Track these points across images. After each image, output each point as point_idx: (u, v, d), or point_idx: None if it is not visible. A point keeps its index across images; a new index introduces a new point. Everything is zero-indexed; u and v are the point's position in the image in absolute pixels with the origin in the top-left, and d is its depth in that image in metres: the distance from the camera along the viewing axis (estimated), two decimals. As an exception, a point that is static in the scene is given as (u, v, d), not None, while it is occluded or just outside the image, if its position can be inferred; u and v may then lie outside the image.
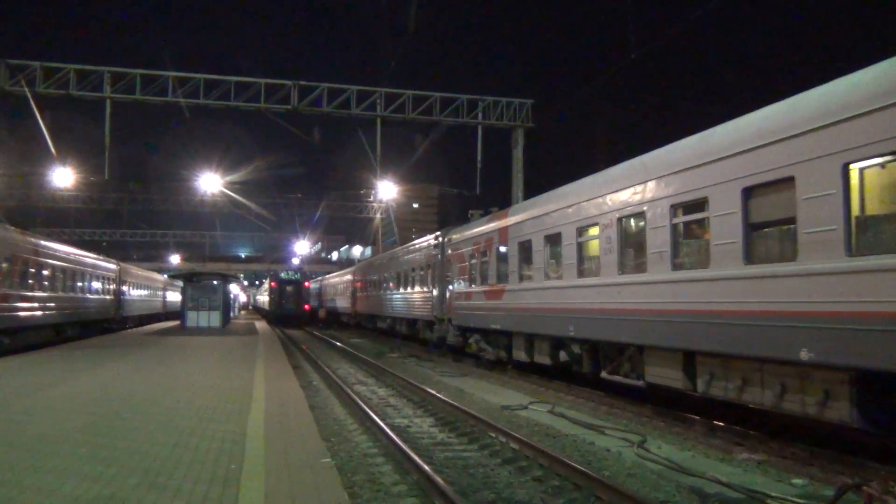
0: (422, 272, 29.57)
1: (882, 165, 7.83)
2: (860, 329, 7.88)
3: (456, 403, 13.86)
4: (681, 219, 11.55)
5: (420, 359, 26.43)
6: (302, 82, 31.35)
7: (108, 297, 39.46)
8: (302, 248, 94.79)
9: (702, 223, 10.98)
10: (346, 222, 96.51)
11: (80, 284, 33.06)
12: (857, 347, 7.95)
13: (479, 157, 33.87)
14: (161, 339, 31.01)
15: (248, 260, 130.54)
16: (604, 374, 14.55)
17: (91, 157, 37.10)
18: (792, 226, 8.97)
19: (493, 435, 11.23)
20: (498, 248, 20.13)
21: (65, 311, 30.02)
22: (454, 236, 24.95)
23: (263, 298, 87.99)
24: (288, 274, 66.61)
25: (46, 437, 8.98)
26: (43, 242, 28.59)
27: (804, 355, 8.63)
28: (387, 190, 44.94)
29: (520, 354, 18.87)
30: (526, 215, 18.42)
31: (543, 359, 17.38)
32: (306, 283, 64.69)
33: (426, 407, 14.77)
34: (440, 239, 26.67)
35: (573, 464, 8.78)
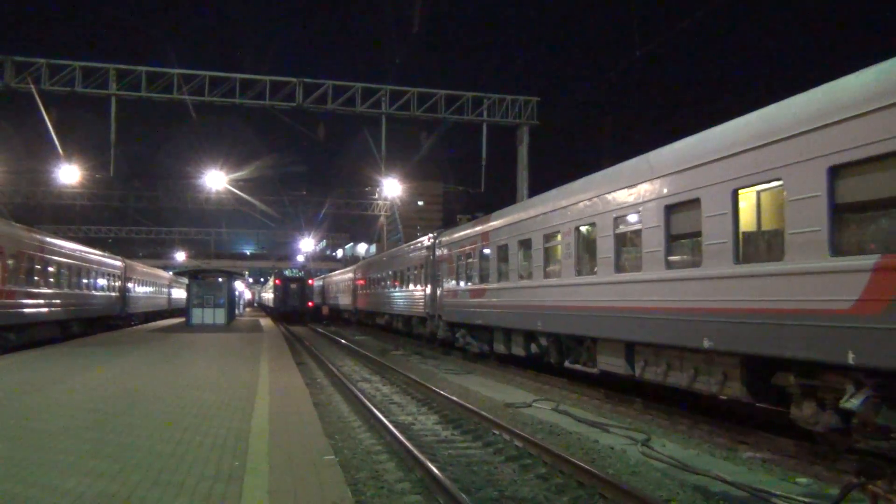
0: (416, 272, 31.61)
1: (757, 192, 10.07)
2: (745, 322, 9.90)
3: (460, 401, 13.86)
4: (621, 229, 13.47)
5: (424, 356, 26.45)
6: (307, 80, 31.37)
7: (113, 293, 39.55)
8: (307, 245, 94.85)
9: (637, 233, 12.84)
10: (351, 220, 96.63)
11: (85, 281, 33.14)
12: (744, 337, 9.95)
13: (483, 155, 33.87)
14: (166, 335, 31.08)
15: (253, 257, 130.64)
16: (567, 364, 16.53)
17: (97, 155, 37.15)
18: (699, 238, 11.04)
19: (497, 432, 11.23)
20: (481, 251, 22.30)
21: (70, 307, 30.10)
22: (444, 239, 26.97)
23: (268, 296, 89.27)
24: (292, 272, 67.89)
25: (51, 433, 9.01)
26: (49, 239, 28.66)
27: (706, 343, 10.68)
28: (392, 187, 44.98)
29: (499, 347, 20.87)
30: (504, 222, 20.48)
31: (519, 351, 19.36)
32: (310, 281, 66.88)
33: (430, 404, 14.77)
34: (432, 241, 28.67)
35: (577, 461, 8.77)
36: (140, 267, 51.37)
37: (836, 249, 8.51)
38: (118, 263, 41.48)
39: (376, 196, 59.60)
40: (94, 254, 36.90)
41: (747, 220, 10.31)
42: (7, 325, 22.89)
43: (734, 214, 10.29)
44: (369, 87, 32.07)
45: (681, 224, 11.68)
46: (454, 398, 14.27)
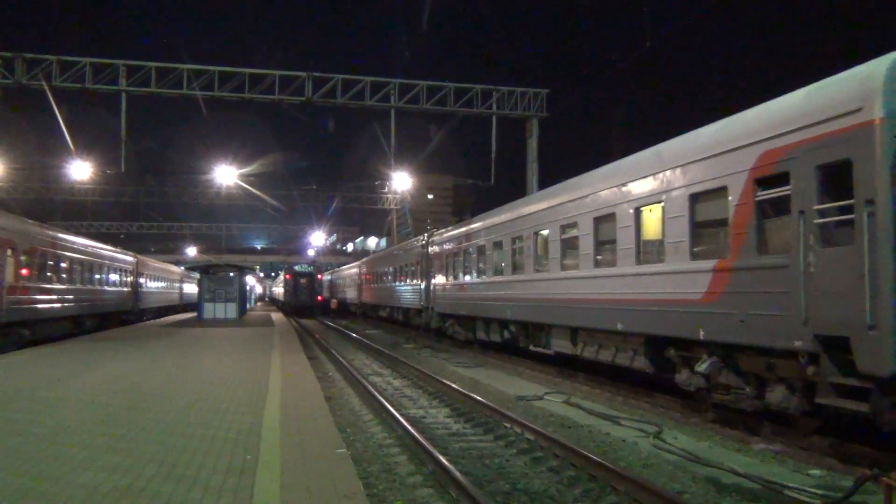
0: (412, 268, 34.34)
1: (650, 210, 12.90)
2: (644, 309, 12.84)
3: (471, 394, 13.87)
4: (566, 235, 16.51)
5: (435, 349, 26.49)
6: (316, 74, 31.41)
7: (125, 289, 39.73)
8: (317, 239, 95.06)
9: (576, 239, 15.91)
10: (361, 213, 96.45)
11: (97, 277, 33.30)
12: (644, 321, 12.88)
13: (493, 148, 33.81)
14: (178, 330, 31.24)
15: (263, 252, 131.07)
16: (531, 347, 19.26)
17: (108, 151, 37.36)
18: (615, 244, 14.07)
19: (509, 425, 11.23)
20: (465, 250, 25.21)
21: (83, 303, 30.26)
22: (435, 238, 30.26)
23: (279, 290, 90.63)
24: (302, 267, 69.45)
25: (65, 428, 9.08)
26: (61, 235, 28.81)
27: (620, 326, 13.66)
28: (401, 181, 44.95)
29: (481, 334, 23.69)
30: (481, 225, 23.63)
31: (496, 337, 22.13)
32: (319, 276, 68.56)
33: (441, 398, 14.79)
34: (425, 240, 31.70)
35: (589, 454, 8.76)
36: (151, 262, 51.60)
37: (694, 255, 11.54)
38: (130, 259, 41.65)
39: (386, 190, 59.54)
40: (106, 249, 37.07)
41: (645, 230, 13.25)
42: (21, 321, 23.03)
43: (636, 226, 13.32)
44: (378, 81, 32.05)
45: (604, 232, 14.74)
46: (465, 391, 14.29)
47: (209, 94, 30.61)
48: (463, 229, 25.95)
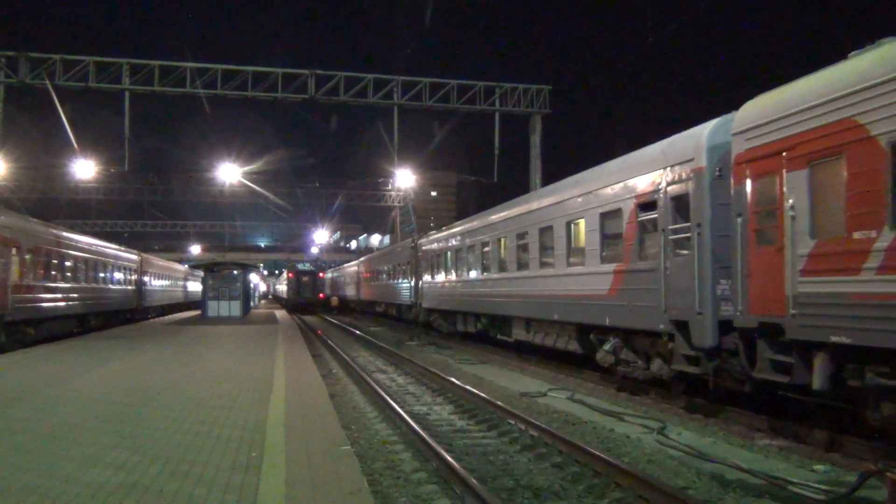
0: (404, 268, 37.37)
1: (577, 223, 16.19)
2: (573, 303, 16.03)
3: (475, 391, 13.88)
4: (521, 241, 19.72)
5: (439, 346, 26.52)
6: (319, 71, 31.38)
7: (129, 287, 39.81)
8: (320, 237, 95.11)
9: (527, 245, 19.24)
10: (365, 211, 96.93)
11: (102, 275, 33.37)
12: (573, 312, 16.06)
13: (496, 145, 33.78)
14: (182, 328, 31.30)
15: (267, 249, 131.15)
16: (499, 336, 23.16)
17: (111, 149, 37.35)
18: (553, 249, 17.37)
19: (513, 422, 11.24)
20: (446, 252, 28.59)
21: (88, 301, 30.33)
22: (422, 241, 33.69)
23: (282, 288, 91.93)
24: (304, 266, 71.77)
25: (71, 426, 9.11)
26: (65, 234, 28.86)
27: (556, 317, 17.02)
28: (404, 178, 44.95)
29: (460, 327, 27.07)
30: (459, 230, 27.23)
31: (472, 328, 25.53)
32: (321, 274, 72.49)
33: (445, 394, 14.81)
34: (414, 243, 35.20)
35: (593, 450, 8.77)
36: (156, 260, 51.68)
37: (602, 259, 14.77)
38: (134, 257, 41.73)
39: (389, 187, 59.61)
40: (111, 248, 37.15)
41: (573, 240, 16.52)
42: (26, 320, 23.10)
43: (567, 236, 16.69)
44: (381, 78, 32.03)
45: (546, 240, 17.96)
46: (469, 388, 14.30)
47: (212, 93, 30.61)
48: (444, 233, 29.82)
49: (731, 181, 10.55)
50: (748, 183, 10.13)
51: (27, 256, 23.18)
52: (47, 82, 28.84)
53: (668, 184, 12.18)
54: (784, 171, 9.41)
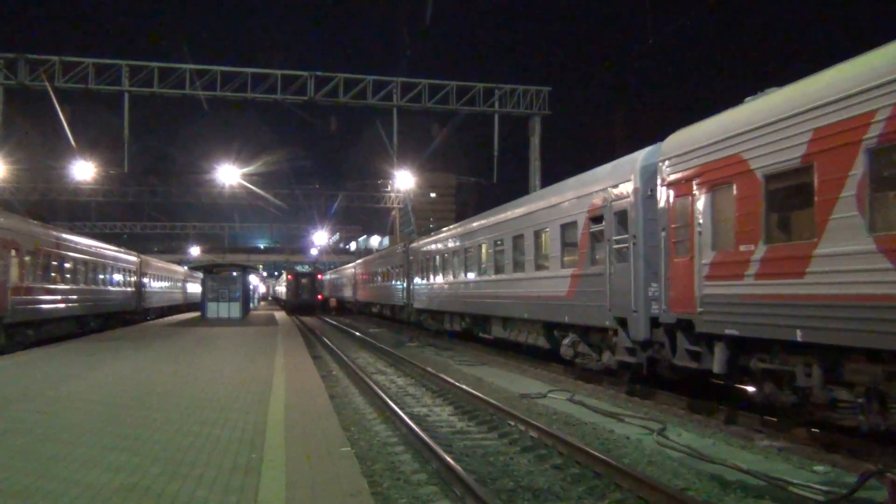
0: (397, 270, 39.38)
1: (543, 232, 18.16)
2: (539, 303, 18.11)
3: (475, 392, 13.87)
4: (496, 248, 22.00)
5: (438, 348, 26.52)
6: (318, 73, 31.38)
7: (129, 288, 39.81)
8: (320, 238, 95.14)
9: (502, 251, 21.43)
10: (364, 212, 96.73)
11: (101, 277, 33.37)
12: (540, 311, 18.07)
13: (496, 146, 33.77)
14: (182, 330, 31.30)
15: (266, 251, 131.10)
16: (480, 334, 25.18)
17: (111, 151, 37.32)
18: (524, 255, 19.44)
19: (513, 423, 11.24)
20: (433, 256, 30.69)
21: (87, 303, 30.32)
22: (412, 246, 36.29)
23: (282, 289, 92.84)
24: (303, 268, 73.42)
25: (70, 428, 9.11)
26: (65, 236, 28.86)
27: (526, 315, 19.08)
28: (404, 180, 44.94)
29: (447, 326, 29.16)
30: (445, 235, 29.78)
31: (457, 327, 27.68)
32: (319, 276, 74.32)
33: (445, 396, 14.80)
34: (405, 247, 37.75)
35: (593, 451, 8.77)
36: (155, 262, 51.66)
37: (563, 265, 16.84)
38: (133, 259, 41.71)
39: (389, 189, 59.61)
40: (110, 249, 37.13)
41: (540, 247, 18.50)
42: (25, 322, 23.09)
43: (535, 244, 18.73)
44: (380, 80, 32.02)
45: (518, 247, 20.06)
46: (469, 389, 14.30)
47: (211, 94, 30.60)
48: (432, 238, 32.39)
49: (657, 200, 12.53)
50: (669, 203, 12.17)
51: (27, 258, 23.18)
52: (47, 84, 28.83)
53: (612, 200, 14.33)
54: (694, 194, 11.44)
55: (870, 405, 8.51)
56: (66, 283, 27.41)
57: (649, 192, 13.00)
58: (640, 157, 13.56)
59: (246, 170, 44.93)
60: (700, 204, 11.26)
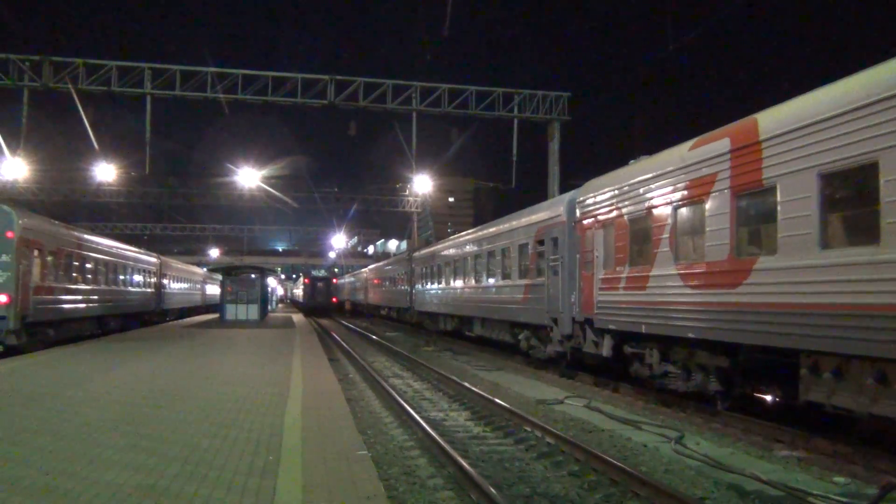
0: (402, 276, 44.22)
1: (507, 249, 22.81)
2: (504, 306, 22.71)
3: (491, 397, 13.85)
4: (479, 260, 26.33)
5: (455, 353, 26.50)
6: (338, 77, 31.54)
7: (149, 290, 40.06)
8: (338, 242, 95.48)
9: (484, 262, 25.39)
10: (382, 216, 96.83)
11: (121, 277, 33.62)
12: (506, 313, 22.44)
13: (514, 151, 33.74)
14: (200, 331, 31.48)
15: (285, 254, 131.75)
16: (467, 333, 28.95)
17: (132, 153, 37.75)
18: (496, 266, 24.03)
19: (529, 429, 11.21)
20: (431, 265, 35.21)
21: (107, 303, 30.55)
22: (416, 255, 41.31)
23: (299, 292, 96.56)
24: (320, 272, 77.47)
25: (89, 427, 9.18)
26: (86, 236, 29.11)
27: (496, 317, 23.69)
28: (422, 184, 45.01)
29: (442, 326, 33.61)
30: (440, 247, 34.61)
31: (449, 327, 31.98)
32: (334, 280, 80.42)
33: (461, 400, 14.79)
34: (410, 255, 42.95)
35: (610, 459, 8.73)
36: (175, 263, 51.95)
37: (520, 275, 21.22)
38: (153, 260, 42.00)
39: (407, 192, 59.72)
40: (130, 250, 37.41)
41: (506, 261, 22.85)
42: (47, 321, 23.32)
43: (502, 258, 23.14)
44: (400, 84, 32.13)
45: (492, 260, 24.58)
46: (485, 394, 14.28)
47: (232, 97, 30.85)
48: (431, 249, 37.39)
49: (575, 231, 17.15)
50: (581, 234, 16.79)
51: (49, 258, 23.42)
52: (70, 86, 29.19)
53: (550, 227, 19.03)
54: (593, 229, 16.05)
55: (685, 374, 12.76)
56: (86, 284, 27.65)
57: (573, 224, 17.31)
58: (566, 197, 18.50)
59: (265, 172, 45.22)
60: (597, 237, 15.85)
